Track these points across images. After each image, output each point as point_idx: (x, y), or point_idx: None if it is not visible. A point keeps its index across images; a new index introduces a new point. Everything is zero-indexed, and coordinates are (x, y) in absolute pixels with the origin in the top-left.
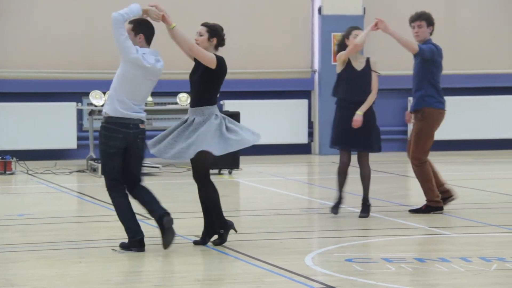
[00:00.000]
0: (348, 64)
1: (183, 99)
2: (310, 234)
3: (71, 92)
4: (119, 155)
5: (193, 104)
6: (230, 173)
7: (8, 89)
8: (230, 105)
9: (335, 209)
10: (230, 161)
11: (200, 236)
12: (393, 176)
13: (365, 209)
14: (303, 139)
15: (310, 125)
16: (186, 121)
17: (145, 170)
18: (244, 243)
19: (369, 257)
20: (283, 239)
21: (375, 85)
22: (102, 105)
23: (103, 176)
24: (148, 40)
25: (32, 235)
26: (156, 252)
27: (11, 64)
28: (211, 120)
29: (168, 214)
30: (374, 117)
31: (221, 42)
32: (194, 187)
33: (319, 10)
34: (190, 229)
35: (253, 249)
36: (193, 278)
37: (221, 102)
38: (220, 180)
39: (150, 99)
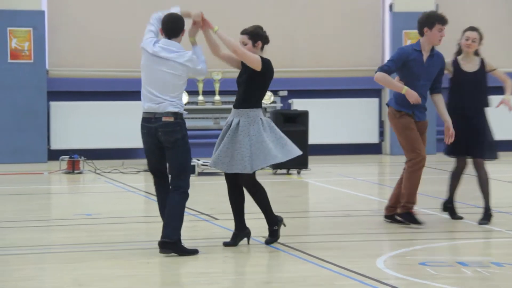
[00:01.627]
0: (457, 68)
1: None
2: (381, 236)
3: (138, 90)
4: (150, 151)
5: (238, 105)
6: (298, 173)
7: (77, 88)
8: (298, 104)
9: (446, 209)
10: (299, 161)
11: (231, 237)
12: (468, 177)
13: (486, 217)
14: (373, 138)
15: (381, 124)
16: (231, 124)
17: (201, 169)
18: (314, 245)
19: (444, 260)
20: (354, 241)
21: (504, 77)
22: None
23: None
24: (167, 33)
25: (100, 235)
26: (224, 253)
27: (82, 63)
28: (259, 126)
29: (163, 244)
30: (488, 124)
31: (265, 42)
32: None
33: (390, 7)
34: (258, 230)
35: (323, 251)
36: (261, 280)
37: (289, 101)
38: (288, 180)
39: (217, 98)
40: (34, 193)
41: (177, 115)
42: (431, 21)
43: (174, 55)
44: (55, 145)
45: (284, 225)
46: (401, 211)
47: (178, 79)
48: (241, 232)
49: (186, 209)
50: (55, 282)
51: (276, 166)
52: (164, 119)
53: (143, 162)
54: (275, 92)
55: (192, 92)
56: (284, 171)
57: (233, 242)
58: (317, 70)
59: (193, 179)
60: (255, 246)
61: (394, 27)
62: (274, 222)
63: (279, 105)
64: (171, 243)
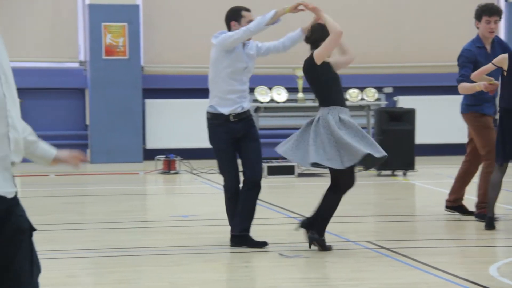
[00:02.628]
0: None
1: (354, 95)
2: (494, 242)
3: None
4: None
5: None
6: (404, 174)
7: (173, 85)
8: (404, 101)
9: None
10: (405, 162)
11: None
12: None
13: None
14: None
15: (495, 122)
16: (313, 121)
17: (300, 170)
18: (421, 250)
19: None
20: (464, 246)
21: None
22: (268, 102)
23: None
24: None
25: (197, 237)
26: (324, 258)
27: (178, 59)
28: (332, 124)
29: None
30: None
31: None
32: (359, 188)
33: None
34: (360, 234)
35: (431, 257)
36: (367, 286)
37: (394, 98)
38: (394, 182)
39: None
40: (130, 193)
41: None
42: (478, 13)
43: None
44: (151, 144)
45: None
46: (477, 212)
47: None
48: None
49: (286, 211)
50: (151, 285)
51: (381, 167)
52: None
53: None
54: (379, 89)
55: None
56: (389, 172)
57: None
58: (424, 66)
59: (293, 180)
60: (358, 251)
61: (510, 20)
62: (321, 233)
63: (383, 103)
64: (239, 236)
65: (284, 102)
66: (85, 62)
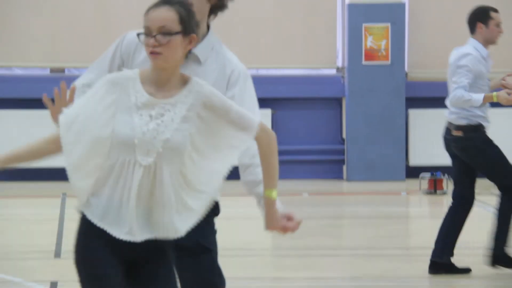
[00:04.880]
0: None
1: None
2: None
3: None
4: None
5: None
6: None
7: (439, 93)
8: None
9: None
10: None
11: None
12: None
13: None
14: None
15: None
16: None
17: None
18: None
19: None
20: None
21: None
22: None
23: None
24: None
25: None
26: None
27: (444, 64)
28: None
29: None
30: None
31: None
32: None
33: None
34: None
35: None
36: None
37: None
38: None
39: None
40: (391, 216)
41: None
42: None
43: None
44: (414, 160)
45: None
46: None
47: None
48: None
49: None
50: None
51: None
52: (454, 133)
53: None
54: None
55: None
56: None
57: None
58: None
59: None
60: None
61: None
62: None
63: None
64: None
65: None
66: (343, 68)
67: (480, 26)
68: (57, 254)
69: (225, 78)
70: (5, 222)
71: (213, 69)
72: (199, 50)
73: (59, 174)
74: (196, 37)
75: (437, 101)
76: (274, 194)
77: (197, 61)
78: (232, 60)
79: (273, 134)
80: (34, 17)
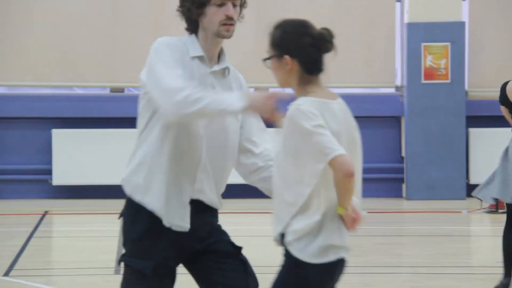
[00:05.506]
0: None
1: None
2: None
3: None
4: None
5: None
6: None
7: (497, 112)
8: None
9: None
10: None
11: None
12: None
13: None
14: None
15: None
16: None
17: None
18: None
19: None
20: None
21: None
22: None
23: None
24: None
25: None
26: None
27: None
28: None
29: None
30: None
31: None
32: None
33: None
34: None
35: None
36: None
37: None
38: None
39: None
40: (452, 234)
41: None
42: None
43: None
44: (475, 179)
45: None
46: None
47: None
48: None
49: None
50: None
51: None
52: None
53: None
54: None
55: None
56: None
57: None
58: None
59: None
60: None
61: None
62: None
63: None
64: None
65: None
66: (402, 87)
67: None
68: (117, 271)
69: (241, 88)
70: (65, 239)
71: (232, 81)
72: (226, 63)
73: (118, 192)
74: None
75: (497, 120)
76: (340, 209)
77: (224, 74)
78: (236, 71)
79: None
80: (97, 41)
